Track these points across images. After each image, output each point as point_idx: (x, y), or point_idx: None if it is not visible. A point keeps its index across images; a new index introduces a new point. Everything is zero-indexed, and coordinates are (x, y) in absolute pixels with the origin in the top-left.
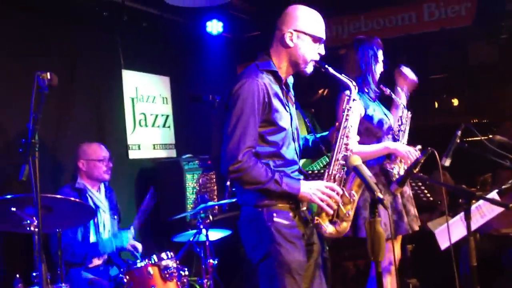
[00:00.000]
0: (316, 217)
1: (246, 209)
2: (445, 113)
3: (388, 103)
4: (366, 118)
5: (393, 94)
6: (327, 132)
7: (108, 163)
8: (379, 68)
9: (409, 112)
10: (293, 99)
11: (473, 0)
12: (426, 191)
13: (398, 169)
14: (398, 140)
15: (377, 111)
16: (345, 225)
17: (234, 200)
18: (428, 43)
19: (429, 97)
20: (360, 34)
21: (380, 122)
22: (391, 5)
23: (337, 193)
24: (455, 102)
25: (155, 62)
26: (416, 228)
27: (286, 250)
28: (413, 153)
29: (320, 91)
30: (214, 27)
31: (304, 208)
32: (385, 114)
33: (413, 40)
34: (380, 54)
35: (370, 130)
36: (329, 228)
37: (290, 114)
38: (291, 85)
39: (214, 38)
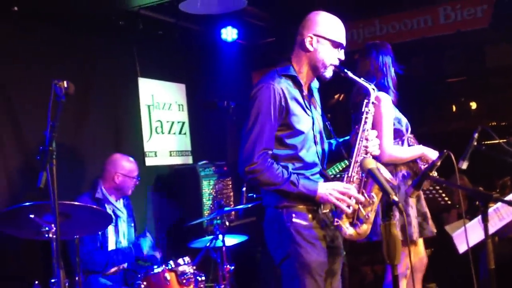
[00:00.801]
0: (336, 219)
1: (268, 210)
2: (463, 116)
3: None
4: (397, 121)
5: None
6: (348, 136)
7: (137, 181)
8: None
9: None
10: (318, 102)
11: (489, 2)
12: (444, 195)
13: None
14: (410, 144)
15: (399, 113)
16: (365, 228)
17: (250, 205)
18: (445, 46)
19: (446, 101)
20: (375, 39)
21: (407, 124)
22: (406, 9)
23: (355, 195)
24: (473, 105)
25: (170, 70)
26: (435, 231)
27: (305, 251)
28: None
29: (336, 96)
30: (229, 34)
31: (326, 211)
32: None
33: (429, 43)
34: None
35: (398, 132)
36: (349, 230)
37: (312, 118)
38: (315, 90)
39: (229, 45)
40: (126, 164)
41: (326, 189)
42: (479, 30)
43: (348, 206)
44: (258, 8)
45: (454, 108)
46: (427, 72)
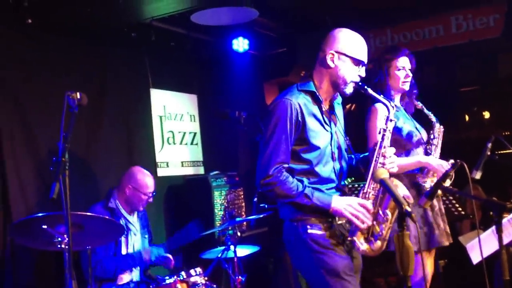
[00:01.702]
0: (350, 235)
1: (285, 224)
2: (476, 126)
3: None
4: (395, 130)
5: (424, 108)
6: (368, 153)
7: (150, 198)
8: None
9: (441, 126)
10: (340, 118)
11: (501, 11)
12: (457, 205)
13: (430, 183)
14: (430, 154)
15: (407, 124)
16: (380, 244)
17: (262, 216)
18: (457, 55)
19: (459, 110)
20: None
21: (409, 134)
22: (417, 18)
23: (370, 211)
24: (486, 114)
25: (182, 81)
26: (446, 243)
27: (328, 256)
28: (446, 167)
29: (348, 106)
30: (240, 44)
31: (341, 222)
32: (416, 128)
33: (442, 52)
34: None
35: (398, 142)
36: (363, 246)
37: (331, 133)
38: (338, 105)
39: (240, 55)
40: (140, 178)
41: (340, 203)
42: (491, 39)
43: (363, 222)
44: (269, 18)
45: (467, 117)
46: (439, 81)
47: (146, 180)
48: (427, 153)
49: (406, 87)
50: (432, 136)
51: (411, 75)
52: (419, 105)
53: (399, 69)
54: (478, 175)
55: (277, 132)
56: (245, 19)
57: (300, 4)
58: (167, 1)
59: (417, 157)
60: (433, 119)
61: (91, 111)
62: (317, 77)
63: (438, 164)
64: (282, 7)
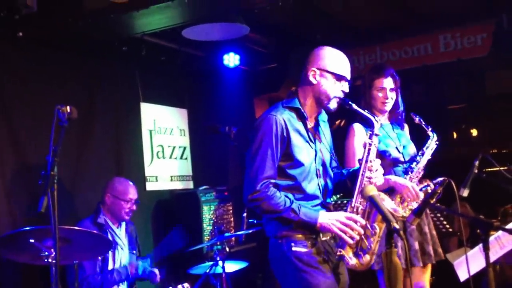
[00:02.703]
0: (339, 249)
1: (270, 241)
2: (464, 143)
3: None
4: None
5: (422, 122)
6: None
7: (132, 205)
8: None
9: (436, 140)
10: (326, 134)
11: (489, 30)
12: (445, 222)
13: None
14: (410, 172)
15: (381, 143)
16: (369, 258)
17: (251, 231)
18: (445, 73)
19: (447, 128)
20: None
21: (382, 154)
22: (406, 36)
23: (359, 225)
24: (474, 132)
25: (173, 95)
26: (419, 264)
27: (310, 276)
28: (414, 189)
29: (337, 122)
30: (231, 60)
31: (325, 238)
32: (396, 148)
33: (430, 70)
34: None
35: None
36: (352, 261)
37: (315, 150)
38: (324, 122)
39: (231, 70)
40: (118, 185)
41: (328, 218)
42: (479, 58)
43: (351, 238)
44: (260, 34)
45: (455, 135)
46: (427, 99)
47: (124, 186)
48: (406, 172)
49: (387, 107)
50: (420, 153)
51: (392, 95)
52: (416, 119)
53: (379, 90)
54: (465, 193)
55: (263, 148)
56: (236, 35)
57: (291, 21)
58: (159, 16)
59: (387, 176)
60: (429, 133)
61: (81, 124)
62: (301, 94)
63: (403, 184)
64: (273, 24)
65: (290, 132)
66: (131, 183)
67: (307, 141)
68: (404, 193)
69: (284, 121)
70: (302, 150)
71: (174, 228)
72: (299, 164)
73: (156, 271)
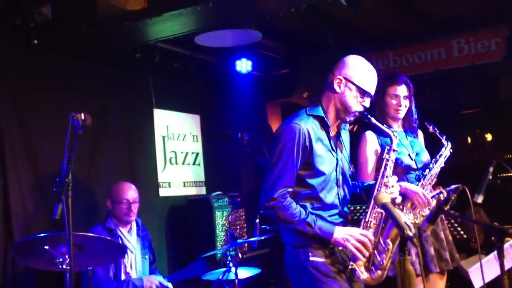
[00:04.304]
0: (351, 263)
1: (287, 249)
2: (478, 149)
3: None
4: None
5: (437, 131)
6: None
7: (130, 205)
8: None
9: (450, 149)
10: (346, 143)
11: (503, 35)
12: (459, 229)
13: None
14: (423, 178)
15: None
16: (380, 273)
17: (263, 237)
18: (459, 78)
19: (461, 133)
20: (389, 71)
21: (394, 161)
22: (420, 41)
23: (371, 241)
24: (489, 137)
25: (185, 101)
26: (436, 270)
27: (328, 286)
28: (425, 195)
29: (350, 128)
30: (243, 66)
31: (341, 248)
32: (408, 155)
33: (444, 75)
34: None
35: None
36: (363, 275)
37: (337, 159)
38: (345, 131)
39: (243, 76)
40: (114, 189)
41: (343, 234)
42: (493, 63)
43: (364, 255)
44: (272, 40)
45: (469, 140)
46: (441, 104)
47: (119, 189)
48: (418, 178)
49: (400, 115)
50: (433, 160)
51: (405, 103)
52: (430, 128)
53: (392, 97)
54: (480, 199)
55: (283, 156)
56: (249, 41)
57: (303, 26)
58: (172, 24)
59: (400, 183)
60: (444, 141)
61: (95, 131)
62: (325, 101)
63: (414, 190)
64: (285, 30)
65: (313, 142)
66: (128, 184)
67: (329, 150)
68: (414, 199)
69: (308, 131)
70: (324, 160)
71: (198, 260)
72: (320, 174)
73: (170, 285)
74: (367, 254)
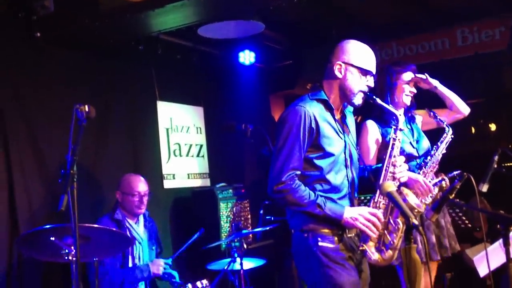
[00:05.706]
0: (362, 243)
1: (295, 234)
2: (482, 138)
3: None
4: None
5: (437, 117)
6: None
7: (142, 198)
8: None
9: (451, 134)
10: (352, 128)
11: (507, 24)
12: (464, 218)
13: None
14: (425, 166)
15: None
16: (391, 253)
17: (268, 228)
18: (463, 68)
19: (465, 123)
20: (392, 61)
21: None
22: (423, 31)
23: (381, 220)
24: (493, 127)
25: (189, 93)
26: (437, 257)
27: (336, 272)
28: (426, 183)
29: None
30: (247, 57)
31: (351, 235)
32: (410, 143)
33: (447, 65)
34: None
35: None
36: (374, 256)
37: (345, 141)
38: (350, 114)
39: (246, 68)
40: (125, 181)
41: (352, 213)
42: (497, 52)
43: (374, 233)
44: (275, 31)
45: (473, 130)
46: None
47: (131, 181)
48: (420, 166)
49: (408, 101)
50: (435, 147)
51: (415, 90)
52: (431, 114)
53: (406, 83)
54: (485, 188)
55: (290, 139)
56: (252, 32)
57: (306, 17)
58: (174, 15)
59: None
60: (445, 127)
61: (98, 123)
62: (327, 87)
63: (414, 178)
64: (288, 21)
65: (320, 123)
66: (139, 177)
67: (336, 132)
68: (416, 187)
69: (313, 113)
70: (332, 141)
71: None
72: (328, 155)
73: (175, 273)
74: (376, 232)
